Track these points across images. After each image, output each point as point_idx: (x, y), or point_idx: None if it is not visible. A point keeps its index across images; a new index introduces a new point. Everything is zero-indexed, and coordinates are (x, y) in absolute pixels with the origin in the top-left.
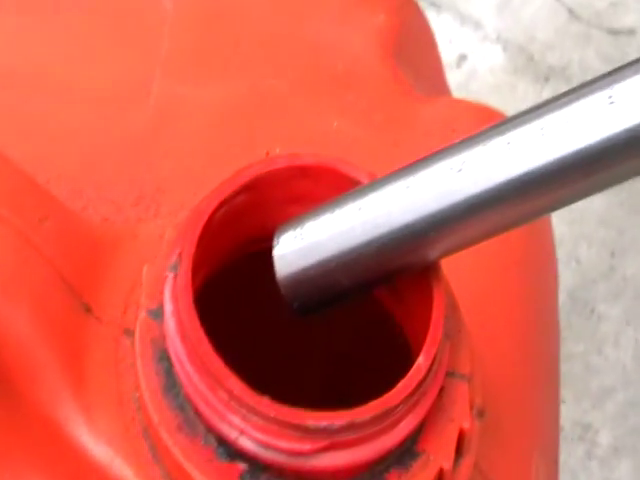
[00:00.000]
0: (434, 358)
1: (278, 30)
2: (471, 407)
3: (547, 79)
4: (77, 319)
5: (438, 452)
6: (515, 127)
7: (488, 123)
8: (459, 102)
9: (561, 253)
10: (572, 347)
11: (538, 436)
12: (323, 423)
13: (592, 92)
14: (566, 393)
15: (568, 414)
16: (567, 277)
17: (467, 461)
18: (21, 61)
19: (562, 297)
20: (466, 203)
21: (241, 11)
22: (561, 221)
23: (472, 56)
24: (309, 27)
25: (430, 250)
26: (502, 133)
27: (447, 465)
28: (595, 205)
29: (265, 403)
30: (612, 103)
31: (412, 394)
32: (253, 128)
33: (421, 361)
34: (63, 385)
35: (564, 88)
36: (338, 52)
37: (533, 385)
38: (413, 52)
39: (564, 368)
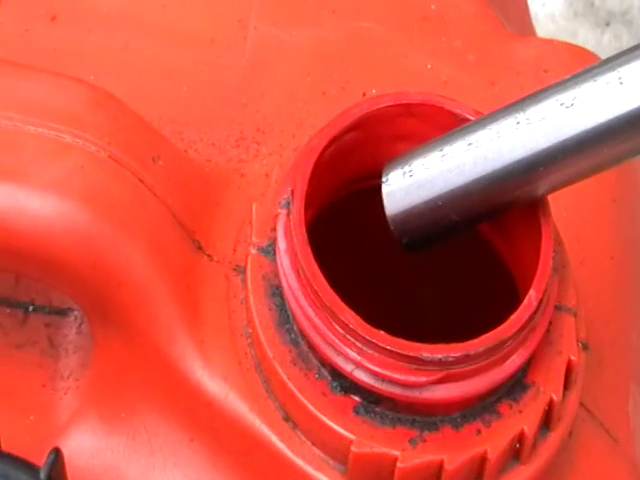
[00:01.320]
0: (544, 291)
1: None
2: (577, 340)
3: (607, 24)
4: (189, 257)
5: (547, 384)
6: (626, 62)
7: (580, 63)
8: (551, 42)
9: None
10: None
11: (635, 369)
12: (438, 355)
13: None
14: None
15: None
16: None
17: (575, 393)
18: (123, 5)
19: None
20: (576, 138)
21: None
22: None
23: (532, 3)
24: None
25: (538, 185)
26: (613, 69)
27: (557, 397)
28: None
29: (381, 336)
30: None
31: (524, 327)
32: (348, 70)
33: (532, 294)
34: (178, 320)
35: (624, 33)
36: None
37: (629, 319)
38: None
39: None
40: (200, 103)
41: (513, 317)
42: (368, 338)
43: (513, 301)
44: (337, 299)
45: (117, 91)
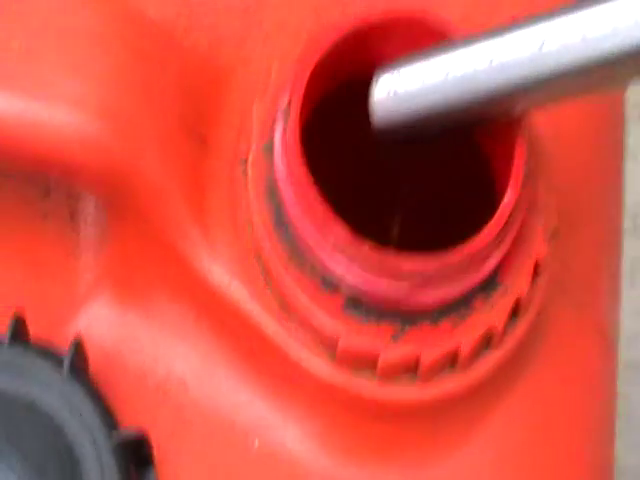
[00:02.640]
0: (517, 199)
1: None
2: (546, 234)
3: None
4: (196, 153)
5: (516, 282)
6: None
7: None
8: None
9: None
10: None
11: (607, 240)
12: (419, 267)
13: None
14: None
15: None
16: None
17: (540, 283)
18: None
19: None
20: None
21: None
22: None
23: None
24: None
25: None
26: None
27: (523, 292)
28: None
29: (367, 250)
30: None
31: (499, 234)
32: None
33: (506, 201)
34: (186, 214)
35: None
36: None
37: (603, 195)
38: None
39: None
40: None
41: (488, 226)
42: (355, 251)
43: (492, 209)
44: (329, 213)
45: None
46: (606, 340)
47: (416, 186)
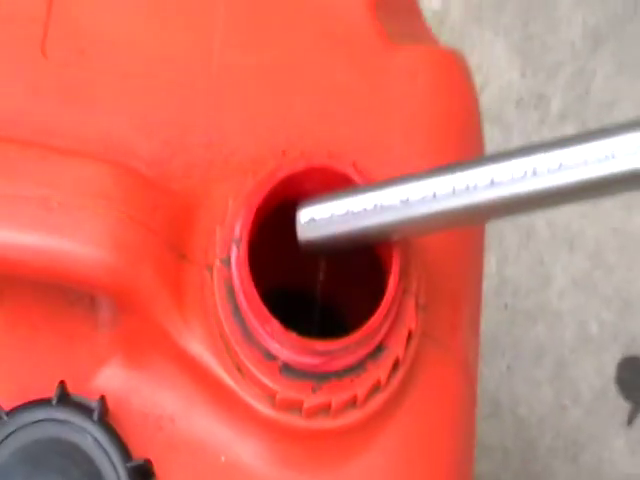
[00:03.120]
0: (395, 291)
1: None
2: (417, 309)
3: None
4: (178, 266)
5: (395, 347)
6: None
7: (444, 67)
8: (421, 49)
9: None
10: None
11: (467, 294)
12: (328, 347)
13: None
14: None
15: (527, 85)
16: None
17: (413, 344)
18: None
19: None
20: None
21: None
22: None
23: None
24: None
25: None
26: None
27: (401, 353)
28: None
29: (293, 338)
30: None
31: (384, 319)
32: (280, 91)
33: (387, 295)
34: (171, 306)
35: None
36: (331, 12)
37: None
38: (394, 6)
39: None
40: (177, 120)
41: (376, 315)
42: (285, 339)
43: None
44: (265, 312)
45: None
46: (467, 373)
47: (334, 282)
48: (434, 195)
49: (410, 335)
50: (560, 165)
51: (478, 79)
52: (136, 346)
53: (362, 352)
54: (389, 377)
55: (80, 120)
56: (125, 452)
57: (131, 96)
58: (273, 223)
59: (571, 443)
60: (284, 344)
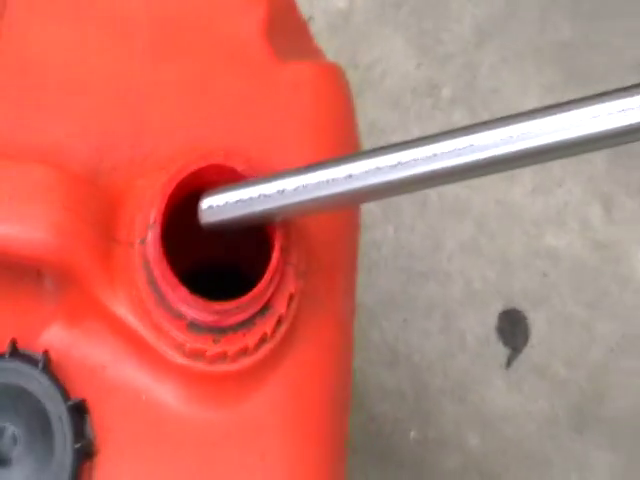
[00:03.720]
0: (277, 261)
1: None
2: (297, 276)
3: None
4: (106, 245)
5: (279, 307)
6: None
7: (327, 81)
8: (305, 64)
9: None
10: None
11: (342, 260)
12: (223, 308)
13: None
14: (421, 57)
15: (422, 75)
16: None
17: (294, 304)
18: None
19: None
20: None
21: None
22: None
23: None
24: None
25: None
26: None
27: (284, 312)
28: None
29: (197, 300)
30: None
31: (268, 284)
32: (189, 102)
33: (271, 264)
34: (103, 280)
35: None
36: (229, 34)
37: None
38: (284, 28)
39: None
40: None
41: (264, 279)
42: (190, 301)
43: None
44: (175, 281)
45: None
46: (343, 327)
47: (233, 253)
48: (304, 186)
49: (291, 297)
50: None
51: (379, 70)
52: (74, 310)
53: (251, 311)
54: (274, 331)
55: (23, 131)
56: (65, 393)
57: (65, 108)
58: (188, 209)
59: (458, 385)
60: (190, 305)
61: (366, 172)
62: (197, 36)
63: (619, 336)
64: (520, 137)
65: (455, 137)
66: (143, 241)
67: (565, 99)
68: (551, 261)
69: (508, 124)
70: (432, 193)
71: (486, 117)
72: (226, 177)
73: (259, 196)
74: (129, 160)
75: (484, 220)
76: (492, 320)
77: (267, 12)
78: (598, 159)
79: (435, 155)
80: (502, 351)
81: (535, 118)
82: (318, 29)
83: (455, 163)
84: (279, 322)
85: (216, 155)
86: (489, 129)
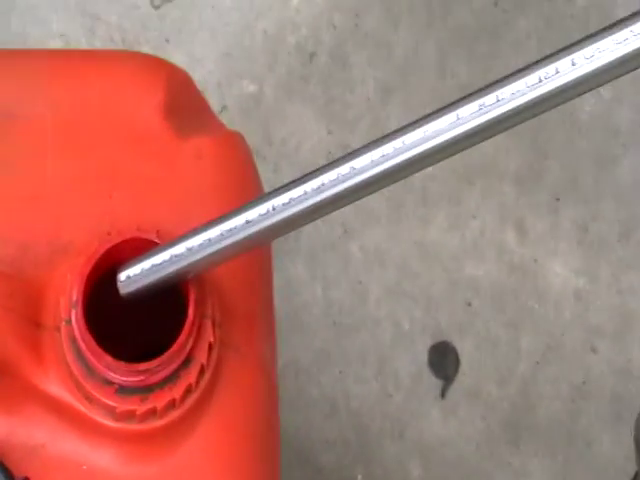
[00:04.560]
0: (194, 316)
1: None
2: (214, 326)
3: None
4: (34, 331)
5: (201, 357)
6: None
7: (230, 148)
8: (206, 136)
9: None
10: None
11: (258, 307)
12: (146, 367)
13: None
14: (330, 123)
15: (334, 140)
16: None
17: (215, 353)
18: None
19: (323, 56)
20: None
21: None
22: None
23: None
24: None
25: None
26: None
27: (205, 361)
28: None
29: (121, 364)
30: None
31: (187, 337)
32: (100, 189)
33: (188, 320)
34: (33, 364)
35: None
36: (131, 118)
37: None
38: (182, 106)
39: None
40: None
41: (180, 337)
42: (115, 366)
43: None
44: (99, 351)
45: None
46: (265, 373)
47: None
48: (209, 240)
49: (210, 347)
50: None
51: (293, 142)
52: (10, 398)
53: (174, 365)
54: (198, 381)
55: None
56: (9, 473)
57: None
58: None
59: (397, 423)
60: (116, 371)
61: (260, 215)
62: (101, 127)
63: (543, 347)
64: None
65: (335, 167)
66: (68, 321)
67: None
68: (473, 290)
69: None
70: (354, 247)
71: None
72: (140, 249)
73: (170, 257)
74: (50, 253)
75: (406, 263)
76: (423, 356)
77: (165, 95)
78: (507, 187)
79: (322, 185)
80: (435, 383)
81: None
82: (232, 115)
83: (336, 190)
84: (202, 372)
85: (128, 232)
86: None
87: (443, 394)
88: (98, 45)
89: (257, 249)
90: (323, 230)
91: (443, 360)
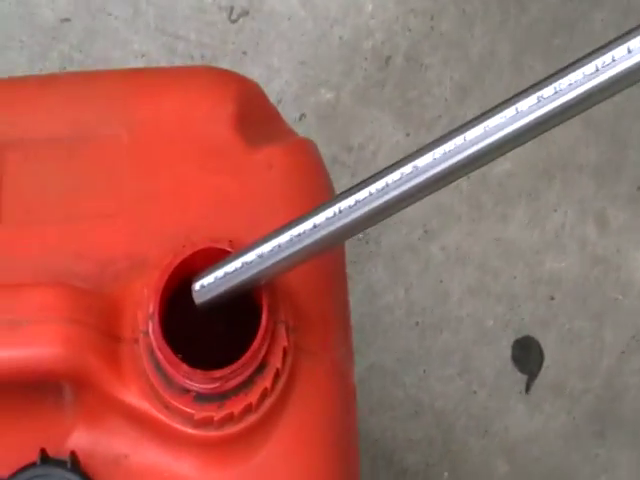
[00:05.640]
0: (267, 323)
1: None
2: (287, 331)
3: None
4: (113, 345)
5: (274, 362)
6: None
7: (301, 156)
8: (276, 146)
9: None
10: None
11: (334, 311)
12: (222, 374)
13: None
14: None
15: (412, 142)
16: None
17: (289, 358)
18: None
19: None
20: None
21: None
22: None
23: None
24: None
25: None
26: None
27: (280, 366)
28: None
29: (197, 372)
30: None
31: (262, 342)
32: (175, 205)
33: (261, 326)
34: (113, 378)
35: None
36: (202, 133)
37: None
38: (254, 117)
39: None
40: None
41: (254, 345)
42: (191, 376)
43: None
44: (177, 360)
45: None
46: (341, 376)
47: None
48: (279, 246)
49: (285, 352)
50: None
51: (371, 147)
52: (93, 412)
53: (249, 371)
54: (273, 385)
55: (31, 259)
56: None
57: (66, 234)
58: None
59: (482, 420)
60: (193, 379)
61: (327, 219)
62: (175, 142)
63: (628, 338)
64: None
65: (398, 167)
66: (146, 333)
67: None
68: (555, 284)
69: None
70: (434, 248)
71: None
72: (213, 259)
73: (242, 265)
74: (127, 268)
75: (486, 261)
76: (506, 352)
77: (235, 107)
78: (586, 179)
79: (386, 186)
80: (520, 378)
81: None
82: (310, 123)
83: (401, 190)
84: (277, 376)
85: (201, 243)
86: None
87: (528, 389)
88: (178, 62)
89: (329, 254)
90: (404, 231)
91: (527, 355)
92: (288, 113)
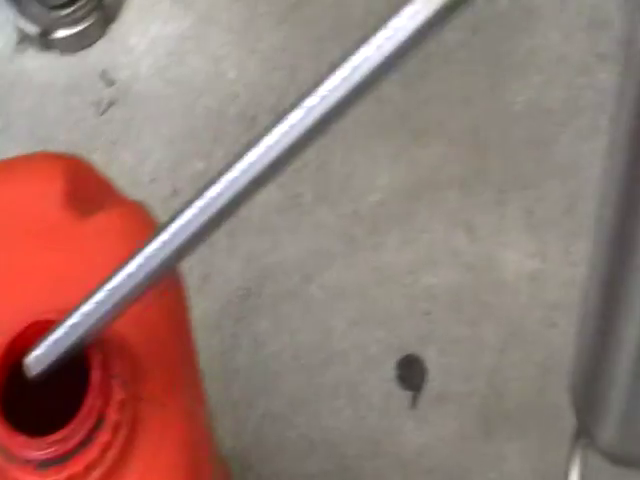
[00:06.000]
0: (98, 383)
1: None
2: (124, 384)
3: None
4: None
5: (113, 414)
6: None
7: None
8: (105, 213)
9: None
10: None
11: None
12: (57, 437)
13: None
14: None
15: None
16: None
17: (128, 409)
18: None
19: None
20: None
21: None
22: None
23: None
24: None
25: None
26: None
27: (118, 419)
28: None
29: (32, 442)
30: None
31: (94, 402)
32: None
33: (92, 383)
34: None
35: None
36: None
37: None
38: (84, 192)
39: None
40: None
41: (85, 401)
42: (30, 446)
43: None
44: (13, 435)
45: None
46: (190, 420)
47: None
48: (98, 302)
49: (122, 404)
50: None
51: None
52: None
53: (86, 429)
54: (112, 439)
55: None
56: None
57: None
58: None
59: (372, 443)
60: (31, 447)
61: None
62: (6, 228)
63: (506, 335)
64: None
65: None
66: None
67: None
68: (431, 299)
69: None
70: (313, 289)
71: None
72: (44, 331)
73: (70, 327)
74: None
75: (364, 291)
76: (391, 373)
77: (63, 185)
78: (452, 194)
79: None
80: (407, 395)
81: None
82: (184, 196)
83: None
84: (116, 430)
85: (29, 318)
86: None
87: (414, 404)
88: None
89: (167, 304)
90: (282, 280)
91: (410, 372)
92: (162, 190)
